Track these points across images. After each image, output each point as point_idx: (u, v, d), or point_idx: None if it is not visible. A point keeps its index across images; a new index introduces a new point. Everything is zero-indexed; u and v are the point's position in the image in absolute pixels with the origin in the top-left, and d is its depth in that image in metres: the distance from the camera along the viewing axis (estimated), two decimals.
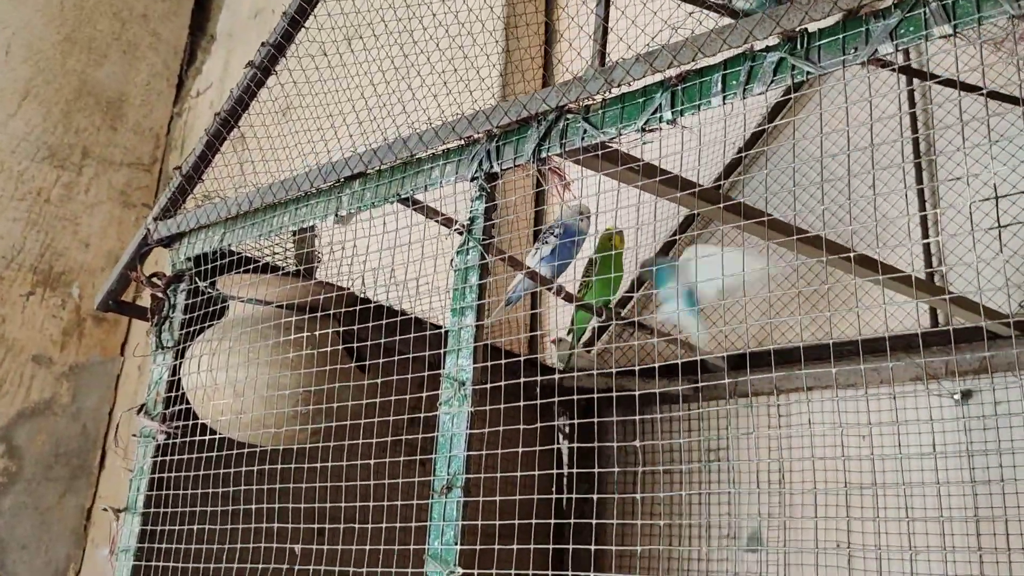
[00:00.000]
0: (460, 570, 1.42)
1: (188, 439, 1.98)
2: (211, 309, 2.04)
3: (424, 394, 1.59)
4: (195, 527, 1.87)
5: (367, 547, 1.61)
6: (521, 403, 1.50)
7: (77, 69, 4.90)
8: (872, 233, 2.56)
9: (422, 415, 1.58)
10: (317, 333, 1.80)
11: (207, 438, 1.91)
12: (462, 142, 1.65)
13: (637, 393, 1.37)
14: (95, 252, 4.72)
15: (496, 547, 1.43)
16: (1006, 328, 2.26)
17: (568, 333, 2.49)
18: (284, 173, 1.98)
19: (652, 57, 1.37)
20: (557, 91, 1.49)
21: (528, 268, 2.04)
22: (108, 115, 4.96)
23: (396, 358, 1.68)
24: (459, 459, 1.47)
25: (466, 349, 1.52)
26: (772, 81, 1.31)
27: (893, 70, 2.32)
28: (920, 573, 2.32)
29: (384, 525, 1.62)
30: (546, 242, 2.22)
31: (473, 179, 1.62)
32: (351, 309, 1.80)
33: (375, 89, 2.10)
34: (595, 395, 1.33)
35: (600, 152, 1.50)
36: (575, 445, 2.80)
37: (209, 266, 2.09)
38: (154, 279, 2.13)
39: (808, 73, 1.27)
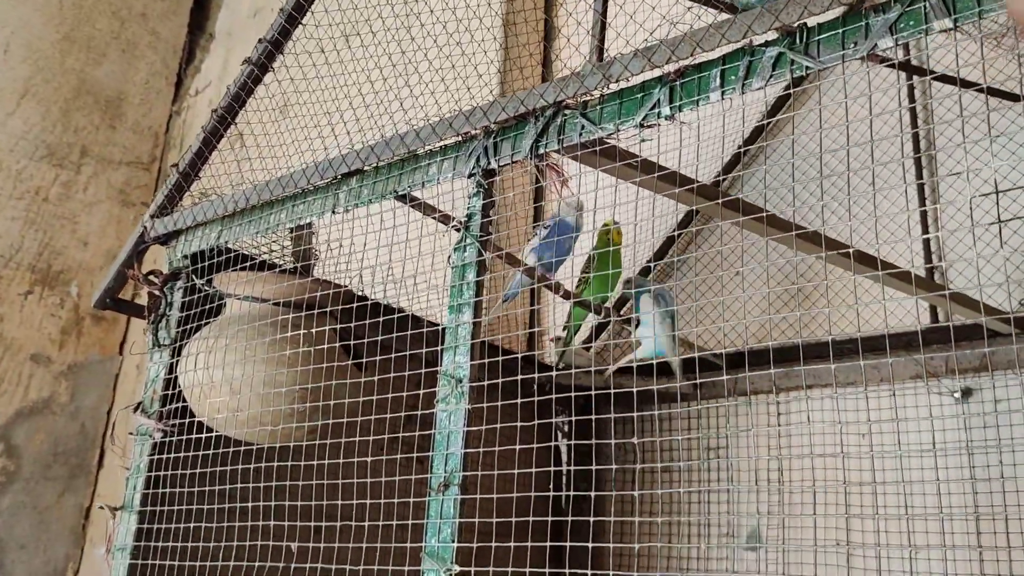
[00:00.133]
0: (457, 568, 1.41)
1: (185, 437, 1.97)
2: (208, 307, 2.04)
3: (421, 391, 1.59)
4: (191, 525, 1.86)
5: (363, 545, 1.60)
6: (518, 400, 1.49)
7: (76, 68, 4.90)
8: (872, 230, 2.55)
9: (419, 412, 1.57)
10: (314, 331, 1.80)
11: (204, 436, 1.90)
12: (459, 138, 1.64)
13: (634, 390, 1.37)
14: (94, 251, 4.71)
15: (493, 544, 1.42)
16: (1006, 325, 2.25)
17: (564, 330, 2.49)
18: (282, 170, 1.98)
19: (650, 52, 1.36)
20: (555, 87, 1.48)
21: (526, 265, 2.03)
22: (107, 114, 4.96)
23: (393, 355, 1.67)
24: (456, 457, 1.46)
25: (463, 346, 1.52)
26: (771, 76, 1.30)
27: (892, 66, 2.31)
28: (920, 571, 2.31)
29: (380, 523, 1.61)
30: (537, 234, 2.22)
31: (470, 176, 1.61)
32: (348, 306, 1.79)
33: (372, 87, 2.09)
34: (592, 392, 1.32)
35: (598, 148, 1.49)
36: (573, 443, 2.80)
37: (206, 264, 2.08)
38: (151, 277, 2.12)
39: (807, 68, 1.27)
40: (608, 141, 1.50)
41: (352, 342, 1.94)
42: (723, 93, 1.34)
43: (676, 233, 3.09)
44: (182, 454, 1.96)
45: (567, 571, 1.36)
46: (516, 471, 1.54)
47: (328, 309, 1.83)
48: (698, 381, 2.35)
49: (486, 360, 1.52)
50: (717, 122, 2.49)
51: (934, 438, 2.37)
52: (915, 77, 2.66)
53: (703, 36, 1.31)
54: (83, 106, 4.86)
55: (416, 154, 1.72)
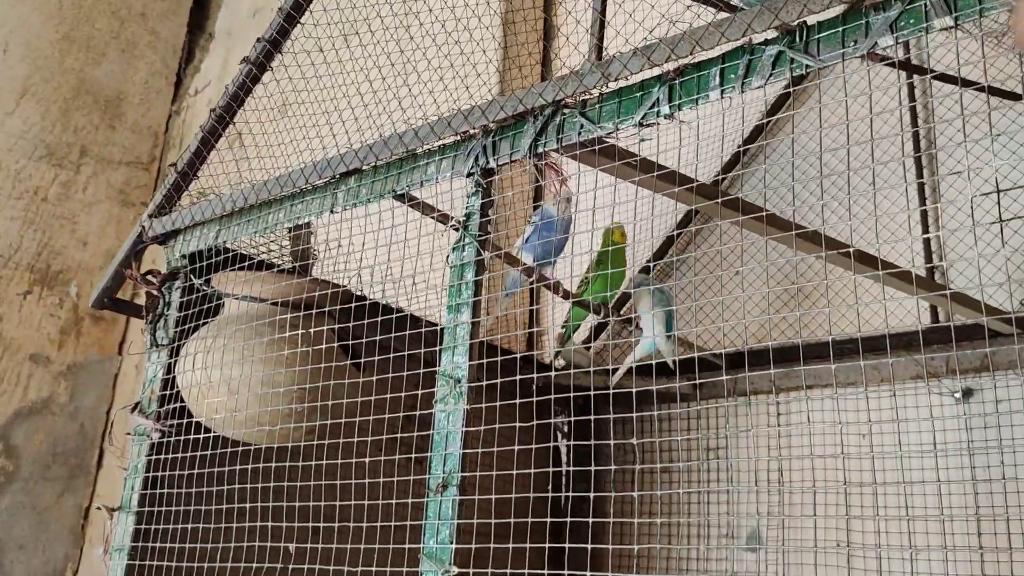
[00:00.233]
0: (455, 569, 1.40)
1: (183, 438, 1.97)
2: (206, 307, 2.03)
3: (419, 392, 1.58)
4: (189, 526, 1.86)
5: (362, 546, 1.59)
6: (517, 400, 1.48)
7: (75, 67, 4.89)
8: (872, 230, 2.54)
9: (417, 413, 1.56)
10: (312, 330, 1.79)
11: (202, 436, 1.90)
12: (458, 137, 1.64)
13: (633, 391, 1.36)
14: (93, 251, 4.70)
15: (492, 546, 1.41)
16: (1007, 325, 2.25)
17: (563, 328, 2.48)
18: (280, 170, 1.97)
19: (649, 51, 1.36)
20: (553, 85, 1.47)
21: (525, 265, 2.02)
22: (106, 114, 4.95)
23: (392, 355, 1.66)
24: (455, 457, 1.45)
25: (462, 346, 1.51)
26: (771, 75, 1.29)
27: (892, 65, 2.30)
28: (921, 572, 2.31)
29: (379, 524, 1.60)
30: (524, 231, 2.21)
31: (469, 175, 1.61)
32: (346, 306, 1.79)
33: (371, 85, 2.09)
34: (591, 392, 1.32)
35: (597, 147, 1.48)
36: (571, 443, 2.79)
37: (204, 263, 2.08)
38: (149, 277, 2.12)
39: (807, 67, 1.26)
40: (607, 140, 1.49)
41: (351, 342, 1.93)
42: (723, 92, 1.33)
43: (675, 233, 3.08)
44: (180, 455, 1.95)
45: (566, 572, 1.35)
46: (515, 471, 1.53)
47: (327, 309, 1.83)
48: (698, 381, 2.34)
49: (484, 360, 1.52)
50: (717, 121, 2.49)
51: (934, 439, 2.36)
52: (915, 76, 2.66)
53: (702, 34, 1.30)
54: (82, 106, 4.85)
55: (415, 153, 1.72)
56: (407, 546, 1.52)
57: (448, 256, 1.59)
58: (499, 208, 1.63)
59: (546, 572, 1.35)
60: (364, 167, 1.78)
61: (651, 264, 3.06)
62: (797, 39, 1.26)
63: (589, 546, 1.44)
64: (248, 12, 5.08)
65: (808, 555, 2.46)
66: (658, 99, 1.39)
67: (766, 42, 1.29)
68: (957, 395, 2.50)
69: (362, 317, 1.74)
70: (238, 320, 1.93)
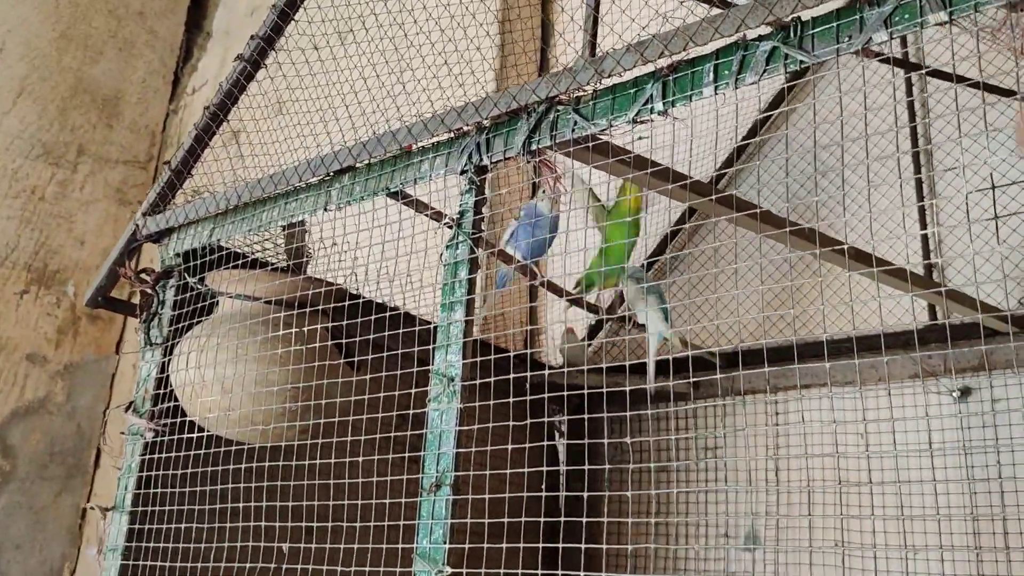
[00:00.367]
0: (448, 569, 1.40)
1: (177, 437, 1.96)
2: (200, 305, 2.02)
3: (412, 390, 1.57)
4: (183, 526, 1.85)
5: (355, 546, 1.59)
6: (511, 399, 1.47)
7: (73, 66, 4.88)
8: (867, 226, 2.53)
9: (410, 412, 1.55)
10: (306, 329, 1.78)
11: (195, 435, 1.89)
12: (452, 135, 1.63)
13: (627, 389, 1.35)
14: (90, 250, 4.69)
15: (484, 545, 1.41)
16: (1005, 324, 2.24)
17: (576, 286, 2.40)
18: (273, 168, 1.96)
19: (643, 47, 1.35)
20: (547, 82, 1.46)
21: (517, 263, 2.02)
22: (104, 112, 4.94)
23: (385, 354, 1.66)
24: (448, 456, 1.44)
25: (455, 345, 1.50)
26: (765, 71, 1.28)
27: (886, 61, 2.30)
28: (919, 572, 2.30)
29: (372, 524, 1.60)
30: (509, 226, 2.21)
31: (463, 172, 1.60)
32: (340, 305, 1.78)
33: (366, 83, 2.08)
34: (585, 390, 1.31)
35: (591, 144, 1.47)
36: (565, 442, 2.78)
37: (198, 262, 2.07)
38: (143, 275, 2.11)
39: (801, 62, 1.25)
40: (601, 137, 1.48)
41: (344, 340, 1.92)
42: (716, 88, 1.32)
43: (671, 230, 3.07)
44: (174, 454, 1.94)
45: (560, 572, 1.34)
46: (507, 471, 1.53)
47: (320, 307, 1.82)
48: (691, 380, 2.33)
49: (478, 359, 1.51)
50: (712, 118, 2.47)
51: (930, 438, 2.36)
52: (912, 72, 2.65)
53: (696, 30, 1.29)
54: (80, 105, 4.84)
55: (409, 151, 1.71)
56: (400, 546, 1.51)
57: (442, 254, 1.58)
58: (496, 206, 1.62)
59: (539, 572, 1.34)
60: (358, 164, 1.78)
61: (645, 263, 3.05)
62: (791, 35, 1.25)
63: (583, 546, 1.43)
64: (246, 10, 5.08)
65: (804, 555, 2.45)
66: (652, 95, 1.38)
67: (760, 38, 1.29)
68: (955, 394, 2.49)
69: (356, 315, 1.73)
70: (232, 319, 1.92)
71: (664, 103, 1.38)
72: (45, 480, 4.31)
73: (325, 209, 1.82)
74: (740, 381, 2.54)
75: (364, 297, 1.80)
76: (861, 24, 1.20)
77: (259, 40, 2.03)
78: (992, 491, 2.24)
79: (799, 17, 1.24)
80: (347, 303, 1.74)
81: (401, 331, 1.64)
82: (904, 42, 2.70)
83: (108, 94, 4.98)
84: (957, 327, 2.40)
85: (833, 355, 2.44)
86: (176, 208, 2.12)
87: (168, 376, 2.00)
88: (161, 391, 2.02)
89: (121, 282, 2.24)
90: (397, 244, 1.67)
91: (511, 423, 1.48)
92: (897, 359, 2.42)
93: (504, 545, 1.50)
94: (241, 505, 1.77)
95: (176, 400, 1.98)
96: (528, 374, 1.44)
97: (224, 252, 2.07)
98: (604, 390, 1.35)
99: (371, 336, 1.68)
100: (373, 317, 1.69)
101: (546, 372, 1.44)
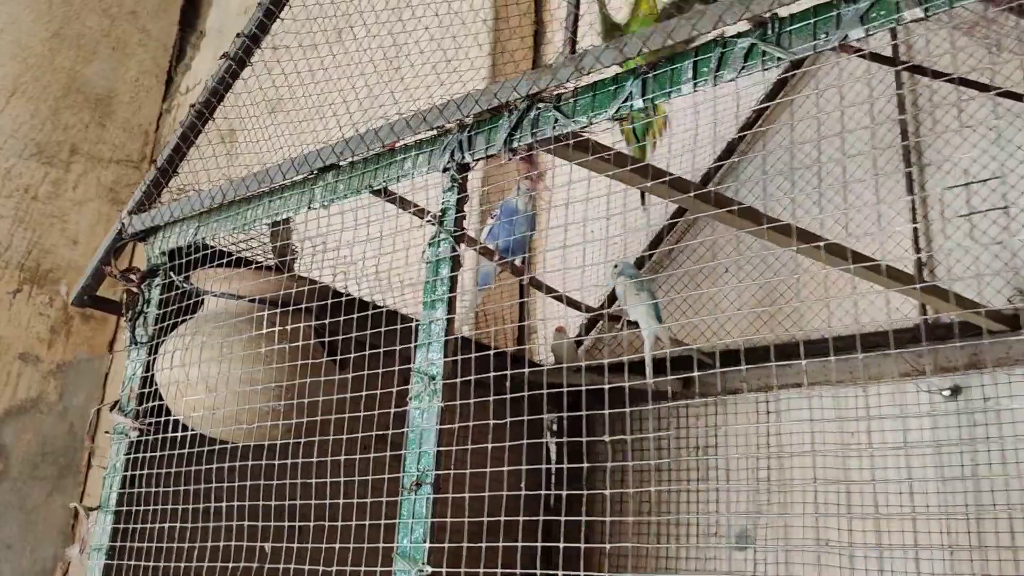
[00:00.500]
0: (429, 568, 1.39)
1: (162, 436, 1.95)
2: (186, 303, 2.02)
3: (394, 388, 1.57)
4: (167, 525, 1.84)
5: (336, 545, 1.58)
6: (507, 396, 1.47)
7: (66, 66, 4.87)
8: (855, 223, 2.53)
9: (392, 409, 1.55)
10: (290, 327, 1.78)
11: (179, 435, 1.88)
12: (434, 133, 1.62)
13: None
14: (83, 249, 4.68)
15: (465, 544, 1.40)
16: (992, 322, 2.24)
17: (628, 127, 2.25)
18: (257, 167, 1.96)
19: (622, 44, 1.35)
20: (527, 79, 1.46)
21: (502, 260, 2.01)
22: (97, 112, 4.93)
23: (367, 352, 1.65)
24: (429, 455, 1.44)
25: (436, 343, 1.50)
26: (743, 68, 1.28)
27: (864, 57, 2.29)
28: (923, 572, 2.30)
29: (354, 523, 1.59)
30: (487, 223, 2.20)
31: (445, 170, 1.59)
32: (324, 303, 1.77)
33: (352, 84, 2.07)
34: (565, 388, 1.30)
35: (571, 141, 1.47)
36: (557, 440, 2.78)
37: (184, 260, 2.06)
38: (129, 274, 2.10)
39: (779, 59, 1.25)
40: (582, 134, 1.48)
41: (327, 339, 1.92)
42: (695, 85, 1.32)
43: (667, 224, 3.07)
44: (159, 453, 1.94)
45: (551, 572, 1.34)
46: (487, 469, 1.52)
47: (304, 306, 1.81)
48: (669, 378, 2.33)
49: (472, 355, 1.50)
50: (704, 114, 2.46)
51: (906, 438, 2.36)
52: (886, 68, 2.64)
53: (674, 27, 1.29)
54: (73, 104, 4.83)
55: (392, 149, 1.70)
56: (385, 545, 1.51)
57: (423, 252, 1.58)
58: (484, 202, 1.62)
59: (519, 570, 1.33)
60: (341, 163, 1.77)
61: (646, 254, 3.05)
62: (769, 31, 1.25)
63: (562, 544, 1.43)
64: (239, 9, 5.07)
65: (784, 553, 2.45)
66: (631, 93, 1.38)
67: (739, 35, 1.28)
68: (945, 392, 2.49)
69: (341, 314, 1.73)
70: (216, 317, 1.92)
71: (644, 100, 1.37)
72: (37, 480, 4.31)
73: (309, 207, 1.81)
74: (717, 379, 2.53)
75: (349, 294, 1.80)
76: (838, 21, 1.20)
77: (245, 38, 2.02)
78: (982, 490, 2.25)
79: (776, 14, 1.24)
80: (330, 301, 1.74)
81: (383, 329, 1.64)
82: (894, 34, 2.69)
83: (101, 93, 4.97)
84: (948, 326, 2.40)
85: (813, 355, 2.42)
86: (161, 206, 2.12)
87: (154, 375, 1.99)
88: (147, 390, 2.01)
89: (114, 282, 2.24)
90: (380, 241, 1.66)
91: (491, 421, 1.48)
92: (871, 356, 2.42)
93: (487, 544, 1.49)
94: (224, 504, 1.77)
95: (161, 399, 1.97)
96: (508, 372, 1.43)
97: (210, 250, 2.07)
98: (583, 388, 1.35)
99: (354, 334, 1.68)
100: (356, 315, 1.68)
101: (525, 371, 1.44)
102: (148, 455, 1.96)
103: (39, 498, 4.28)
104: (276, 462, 1.75)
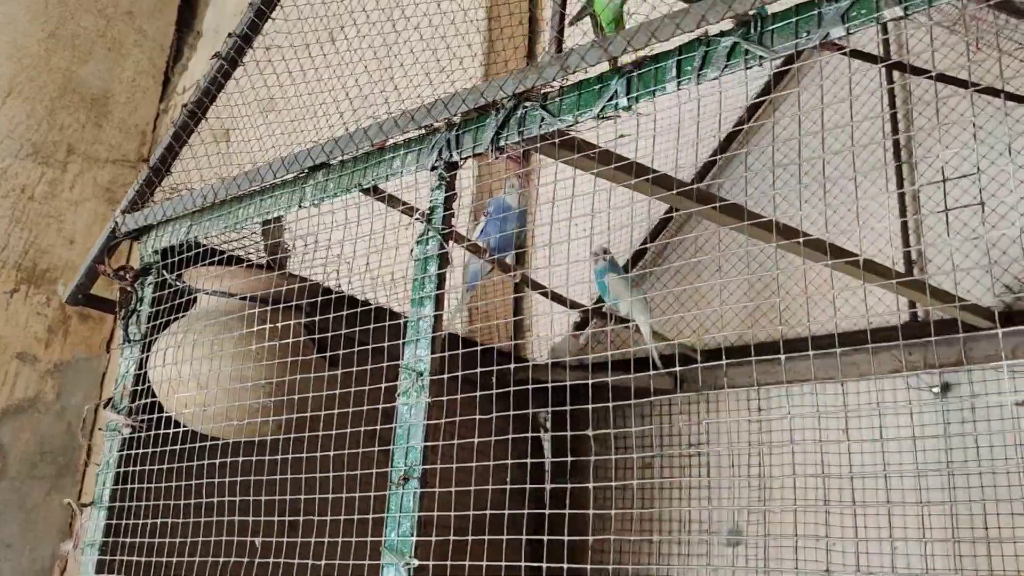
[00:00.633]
0: (416, 562, 1.41)
1: (155, 432, 1.97)
2: (179, 301, 2.03)
3: (383, 384, 1.58)
4: (159, 521, 1.86)
5: (326, 539, 1.60)
6: (489, 392, 1.48)
7: (62, 66, 4.88)
8: (847, 220, 2.54)
9: (380, 406, 1.56)
10: (280, 325, 1.79)
11: (171, 431, 1.90)
12: (423, 131, 1.64)
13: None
14: (80, 249, 4.69)
15: (451, 537, 1.42)
16: (981, 319, 2.25)
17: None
18: (248, 166, 1.97)
19: (607, 43, 1.36)
20: (514, 78, 1.47)
21: (490, 256, 2.02)
22: (93, 112, 4.94)
23: (356, 348, 1.66)
24: (416, 450, 1.45)
25: (424, 339, 1.51)
26: (726, 67, 1.29)
27: (845, 54, 2.31)
28: (927, 566, 2.31)
29: (343, 517, 1.60)
30: (478, 221, 2.21)
31: (433, 168, 1.61)
32: (314, 300, 1.79)
33: (343, 84, 2.08)
34: (549, 384, 1.32)
35: (557, 140, 1.48)
36: (550, 434, 2.79)
37: (177, 259, 2.08)
38: (122, 272, 2.12)
39: (761, 58, 1.26)
40: (568, 132, 1.49)
41: (317, 335, 1.93)
42: (679, 83, 1.33)
43: (660, 217, 3.08)
44: (151, 449, 1.95)
45: (523, 564, 1.35)
46: (473, 463, 1.54)
47: (294, 303, 1.83)
48: (650, 373, 2.34)
49: (459, 351, 1.52)
50: (687, 113, 2.48)
51: (882, 433, 2.37)
52: (874, 67, 2.65)
53: (658, 26, 1.30)
54: (69, 104, 4.84)
55: (381, 147, 1.72)
56: (370, 539, 1.52)
57: (412, 249, 1.59)
58: (477, 199, 1.63)
59: (503, 562, 1.35)
60: (331, 161, 1.78)
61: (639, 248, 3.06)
62: (751, 30, 1.26)
63: (546, 537, 1.44)
64: (235, 10, 5.08)
65: (766, 547, 2.47)
66: (616, 91, 1.39)
67: (722, 34, 1.30)
68: (935, 389, 2.51)
69: (332, 311, 1.74)
70: (208, 315, 1.93)
71: (628, 99, 1.39)
72: (35, 479, 4.32)
73: (300, 206, 1.83)
74: (698, 375, 2.55)
75: (339, 292, 1.81)
76: (819, 19, 1.21)
77: (236, 38, 2.04)
78: (972, 486, 2.26)
79: (758, 13, 1.25)
80: (319, 298, 1.75)
81: (372, 325, 1.65)
82: (885, 29, 2.69)
83: (97, 94, 4.98)
84: (937, 323, 2.42)
85: (806, 351, 2.44)
86: (154, 205, 2.13)
87: (146, 372, 2.00)
88: (140, 387, 2.03)
89: (111, 280, 2.25)
90: (370, 239, 1.68)
91: (482, 415, 1.49)
92: (846, 352, 2.44)
93: (473, 538, 1.51)
94: (216, 500, 1.78)
95: (154, 396, 1.99)
96: (494, 367, 1.45)
97: (202, 249, 2.08)
98: (567, 383, 1.36)
99: (343, 331, 1.69)
100: (345, 312, 1.70)
101: (511, 366, 1.45)
102: (141, 451, 1.97)
103: (38, 497, 4.29)
104: (267, 458, 1.76)
